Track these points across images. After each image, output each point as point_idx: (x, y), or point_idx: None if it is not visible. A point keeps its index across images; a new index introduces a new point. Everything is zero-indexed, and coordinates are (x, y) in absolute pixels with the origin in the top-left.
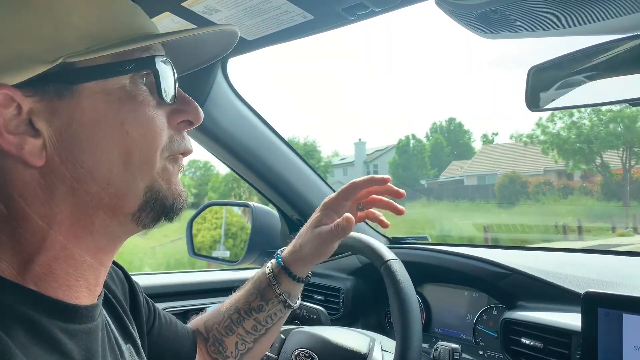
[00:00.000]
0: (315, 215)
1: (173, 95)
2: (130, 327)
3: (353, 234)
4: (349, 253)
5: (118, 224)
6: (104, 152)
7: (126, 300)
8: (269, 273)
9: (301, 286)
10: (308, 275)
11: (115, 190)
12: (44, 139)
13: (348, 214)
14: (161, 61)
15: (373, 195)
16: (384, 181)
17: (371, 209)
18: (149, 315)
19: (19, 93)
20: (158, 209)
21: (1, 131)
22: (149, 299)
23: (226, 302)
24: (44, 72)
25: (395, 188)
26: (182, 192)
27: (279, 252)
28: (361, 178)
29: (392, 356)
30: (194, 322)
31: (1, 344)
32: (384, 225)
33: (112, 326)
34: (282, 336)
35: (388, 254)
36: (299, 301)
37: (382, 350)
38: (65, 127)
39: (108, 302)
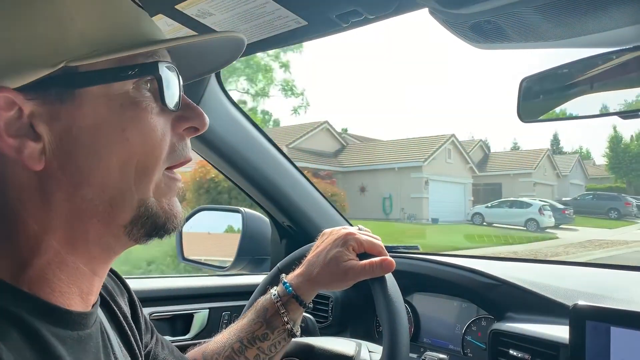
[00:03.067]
0: (336, 249)
1: (177, 102)
2: (132, 339)
3: None
4: None
5: (112, 236)
6: (102, 158)
7: (128, 313)
8: (277, 301)
9: (302, 314)
10: (311, 302)
11: (109, 198)
12: (44, 143)
13: (390, 258)
14: (165, 67)
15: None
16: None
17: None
18: (146, 334)
19: (21, 96)
20: (149, 225)
21: (1, 134)
22: (148, 320)
23: (226, 332)
24: (46, 76)
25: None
26: (177, 212)
27: (284, 279)
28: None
29: (379, 356)
30: (192, 353)
31: None
32: None
33: (111, 337)
34: None
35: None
36: (299, 330)
37: (370, 351)
38: (65, 132)
39: (110, 311)
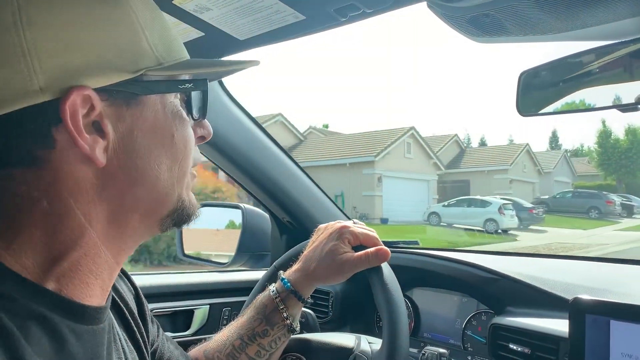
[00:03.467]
0: (332, 242)
1: (200, 114)
2: (138, 335)
3: None
4: None
5: (146, 227)
6: (156, 159)
7: (135, 310)
8: (276, 297)
9: (301, 309)
10: (309, 297)
11: (157, 195)
12: (108, 141)
13: (385, 248)
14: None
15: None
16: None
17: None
18: (152, 329)
19: (97, 96)
20: (180, 217)
21: (81, 130)
22: (154, 317)
23: (226, 330)
24: (123, 81)
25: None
26: (196, 204)
27: (282, 275)
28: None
29: (379, 345)
30: (193, 351)
31: (15, 341)
32: None
33: (120, 332)
34: None
35: None
36: (299, 326)
37: (369, 342)
38: (128, 133)
39: (118, 308)
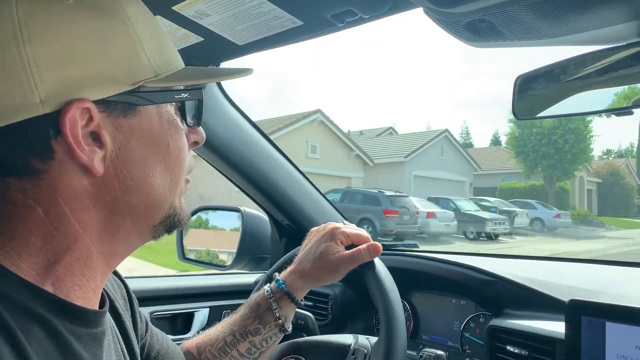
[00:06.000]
0: (325, 243)
1: (194, 121)
2: (132, 335)
3: None
4: None
5: (138, 234)
6: (151, 168)
7: (126, 308)
8: (270, 297)
9: (294, 310)
10: (302, 300)
11: (151, 203)
12: (106, 151)
13: (376, 242)
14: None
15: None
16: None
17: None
18: (141, 328)
19: (96, 108)
20: (171, 223)
21: (80, 142)
22: (143, 315)
23: (219, 325)
24: (121, 93)
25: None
26: (185, 208)
27: (277, 276)
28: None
29: (377, 339)
30: (185, 344)
31: (18, 341)
32: None
33: (117, 333)
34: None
35: None
36: (291, 326)
37: (367, 338)
38: (124, 143)
39: (114, 310)
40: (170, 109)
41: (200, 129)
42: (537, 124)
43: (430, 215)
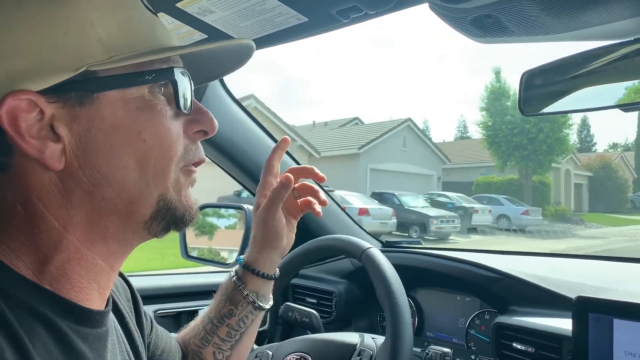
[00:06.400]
0: (256, 201)
1: (189, 106)
2: (135, 335)
3: (332, 235)
4: (343, 256)
5: (131, 231)
6: (120, 159)
7: (130, 309)
8: (233, 276)
9: (270, 284)
10: (275, 272)
11: (129, 196)
12: (64, 143)
13: (286, 174)
14: (180, 72)
15: (304, 182)
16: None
17: (307, 197)
18: (146, 327)
19: (43, 99)
20: (169, 218)
21: (24, 135)
22: (148, 314)
23: (199, 316)
24: (67, 80)
25: (317, 171)
26: (192, 204)
27: (240, 255)
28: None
29: (383, 340)
30: (176, 338)
31: (20, 344)
32: (316, 213)
33: (121, 334)
34: (270, 352)
35: (365, 243)
36: (270, 302)
37: (372, 338)
38: (84, 133)
39: (117, 310)
40: (146, 94)
41: (209, 116)
42: (510, 111)
43: (363, 212)
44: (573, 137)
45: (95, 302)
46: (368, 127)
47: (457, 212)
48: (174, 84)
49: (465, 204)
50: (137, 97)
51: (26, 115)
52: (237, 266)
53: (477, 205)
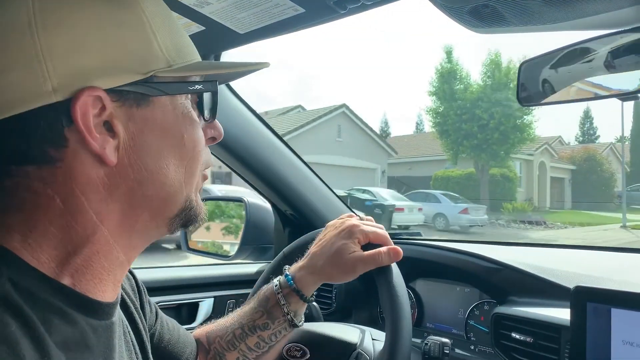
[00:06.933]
0: (342, 241)
1: (211, 115)
2: (140, 325)
3: None
4: None
5: (155, 226)
6: (165, 159)
7: (136, 299)
8: (278, 292)
9: (306, 306)
10: (313, 295)
11: (166, 194)
12: (119, 140)
13: (397, 247)
14: (217, 84)
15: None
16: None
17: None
18: (151, 317)
19: (108, 97)
20: (187, 217)
21: (92, 130)
22: (153, 304)
23: (230, 317)
24: (133, 82)
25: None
26: (202, 205)
27: (287, 271)
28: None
29: (383, 344)
30: (197, 331)
31: (39, 333)
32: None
33: (128, 325)
34: None
35: None
36: (302, 320)
37: (373, 339)
38: (138, 133)
39: (123, 301)
40: (185, 102)
41: (218, 124)
42: (460, 95)
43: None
44: (543, 125)
45: (109, 294)
46: (308, 113)
47: (373, 210)
48: (214, 94)
49: (386, 202)
50: (180, 104)
51: (92, 111)
52: (281, 280)
53: (403, 203)
